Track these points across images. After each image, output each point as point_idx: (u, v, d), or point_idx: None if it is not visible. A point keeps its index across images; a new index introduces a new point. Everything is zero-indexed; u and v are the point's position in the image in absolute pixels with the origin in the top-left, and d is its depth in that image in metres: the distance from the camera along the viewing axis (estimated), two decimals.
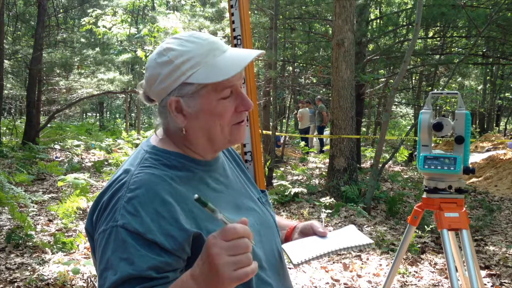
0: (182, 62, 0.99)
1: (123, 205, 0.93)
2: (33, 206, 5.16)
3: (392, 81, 10.37)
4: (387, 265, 3.95)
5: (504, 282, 3.64)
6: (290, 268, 3.73)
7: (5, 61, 11.98)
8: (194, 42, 1.01)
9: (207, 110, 1.01)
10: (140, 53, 12.35)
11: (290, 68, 15.05)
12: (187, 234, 0.94)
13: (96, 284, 0.94)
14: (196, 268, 0.86)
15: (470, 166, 2.07)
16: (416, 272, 3.86)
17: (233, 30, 1.62)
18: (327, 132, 12.60)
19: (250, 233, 0.85)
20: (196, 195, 0.84)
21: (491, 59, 11.40)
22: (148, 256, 0.89)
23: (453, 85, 15.84)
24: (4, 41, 11.57)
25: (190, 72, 0.98)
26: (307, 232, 1.26)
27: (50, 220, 5.07)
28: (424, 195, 2.15)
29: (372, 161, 9.23)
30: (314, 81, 13.48)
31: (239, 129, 1.07)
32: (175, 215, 0.94)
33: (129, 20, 15.75)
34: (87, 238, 1.08)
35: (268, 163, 7.44)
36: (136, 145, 12.27)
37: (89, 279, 3.34)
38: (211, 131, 1.03)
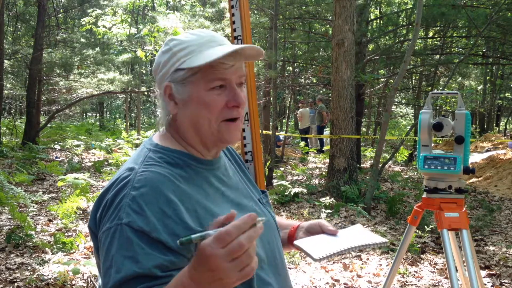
0: (179, 49, 1.03)
1: (128, 203, 0.92)
2: (33, 206, 5.15)
3: (392, 81, 10.37)
4: (387, 265, 3.95)
5: (504, 282, 3.64)
6: (290, 268, 3.73)
7: (5, 61, 11.98)
8: (197, 35, 1.06)
9: (195, 98, 1.02)
10: (140, 53, 12.36)
11: (290, 68, 15.04)
12: (192, 233, 0.94)
13: (96, 284, 0.94)
14: (194, 273, 0.82)
15: (470, 166, 2.07)
16: (416, 272, 3.86)
17: (234, 30, 1.62)
18: (327, 132, 12.59)
19: (245, 224, 0.78)
20: (178, 241, 0.82)
21: (491, 59, 11.41)
22: (153, 254, 0.89)
23: (453, 85, 15.84)
24: (4, 41, 11.57)
25: (184, 59, 1.02)
26: (313, 231, 1.25)
27: (50, 220, 5.06)
28: (424, 195, 2.15)
29: (372, 161, 9.22)
30: (314, 81, 13.47)
31: (229, 128, 1.04)
32: (180, 214, 0.94)
33: (129, 20, 15.75)
34: (90, 237, 1.07)
35: (268, 163, 7.44)
36: (136, 145, 12.28)
37: (89, 279, 3.34)
38: (198, 122, 1.04)
